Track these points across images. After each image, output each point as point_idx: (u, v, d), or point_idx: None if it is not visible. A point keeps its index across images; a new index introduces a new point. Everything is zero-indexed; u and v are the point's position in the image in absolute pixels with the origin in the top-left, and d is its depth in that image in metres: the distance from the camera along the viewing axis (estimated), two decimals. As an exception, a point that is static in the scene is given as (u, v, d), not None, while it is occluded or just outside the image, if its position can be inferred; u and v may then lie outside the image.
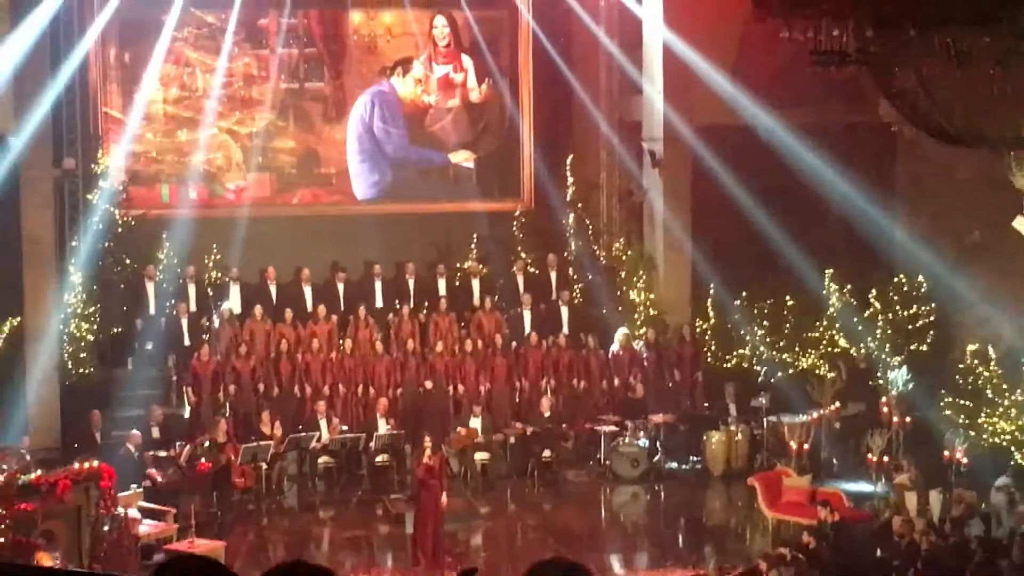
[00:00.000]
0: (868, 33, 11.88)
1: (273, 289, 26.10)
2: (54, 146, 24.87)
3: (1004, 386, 22.66)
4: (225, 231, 26.34)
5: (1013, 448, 22.19)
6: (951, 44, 11.37)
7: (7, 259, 24.02)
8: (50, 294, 24.24)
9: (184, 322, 25.34)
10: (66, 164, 25.25)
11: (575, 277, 27.33)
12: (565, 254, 27.46)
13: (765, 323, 25.40)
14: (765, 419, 24.40)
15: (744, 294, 25.50)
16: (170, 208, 26.91)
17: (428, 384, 24.83)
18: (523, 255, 27.55)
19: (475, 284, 27.03)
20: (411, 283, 26.67)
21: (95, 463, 20.31)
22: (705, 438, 24.45)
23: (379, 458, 23.74)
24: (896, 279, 25.06)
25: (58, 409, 24.00)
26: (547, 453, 24.19)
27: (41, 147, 24.33)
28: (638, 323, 26.14)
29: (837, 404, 24.44)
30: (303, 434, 23.68)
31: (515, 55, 28.32)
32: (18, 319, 23.84)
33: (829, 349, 25.06)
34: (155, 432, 22.90)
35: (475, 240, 27.58)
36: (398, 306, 25.98)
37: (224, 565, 3.53)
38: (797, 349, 25.19)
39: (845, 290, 25.05)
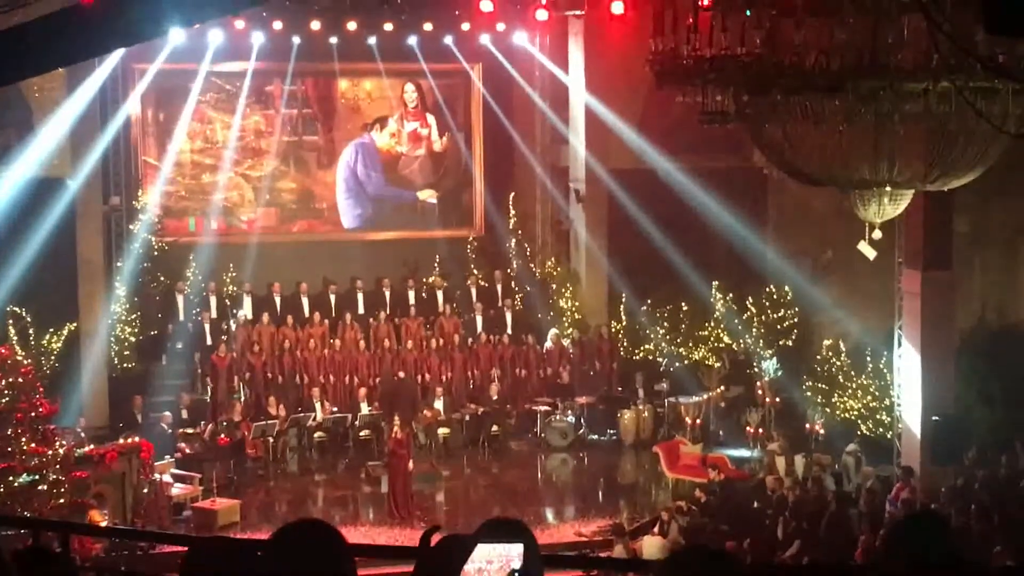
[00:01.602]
0: (744, 98, 11.92)
1: (278, 300, 25.88)
2: (103, 187, 24.75)
3: (852, 373, 22.78)
4: (240, 254, 26.18)
5: (859, 421, 22.29)
6: (808, 106, 11.42)
7: (66, 276, 23.80)
8: (100, 304, 24.03)
9: (207, 326, 25.13)
10: (113, 201, 25.11)
11: (516, 289, 27.21)
12: (508, 271, 27.33)
13: (665, 324, 25.35)
14: (666, 400, 24.41)
15: (649, 301, 25.44)
16: (196, 236, 26.67)
17: (401, 374, 24.67)
18: (475, 272, 27.43)
19: (438, 295, 26.90)
20: (387, 294, 26.52)
21: (136, 438, 20.21)
22: (619, 415, 24.42)
23: (362, 433, 23.60)
24: (767, 289, 25.04)
25: (106, 395, 23.75)
26: (495, 428, 24.07)
27: (93, 188, 24.16)
28: (566, 324, 26.08)
29: (722, 388, 24.48)
30: (302, 414, 23.55)
31: (469, 114, 28.22)
32: (74, 324, 23.64)
33: (716, 344, 25.02)
34: (184, 414, 22.73)
35: (437, 260, 27.42)
36: (377, 312, 25.82)
37: (334, 529, 3.44)
38: (691, 344, 25.15)
39: (728, 297, 25.02)
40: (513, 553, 3.57)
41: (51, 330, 23.13)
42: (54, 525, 8.80)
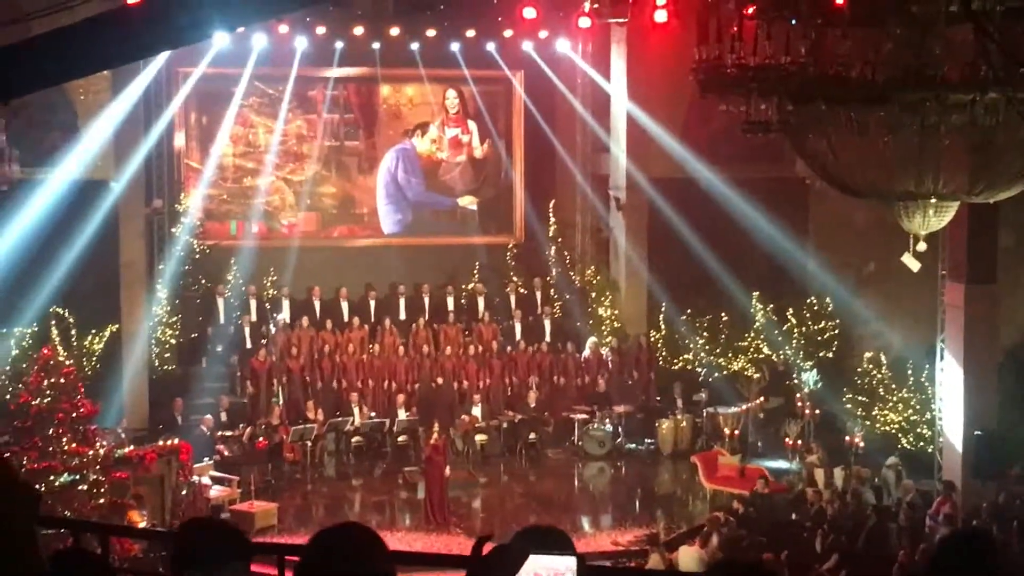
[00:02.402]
0: (788, 107, 11.87)
1: (317, 304, 25.96)
2: (146, 190, 24.83)
3: (893, 386, 22.67)
4: (280, 258, 26.29)
5: (899, 435, 22.15)
6: (853, 117, 11.35)
7: (108, 278, 23.92)
8: (142, 306, 24.15)
9: (247, 329, 25.24)
10: (156, 204, 25.21)
11: (555, 297, 27.22)
12: (548, 278, 27.33)
13: (705, 334, 25.31)
14: (704, 410, 24.33)
15: (688, 311, 25.37)
16: (237, 239, 26.79)
17: (439, 380, 24.69)
18: (515, 279, 27.44)
19: (478, 301, 26.92)
20: (426, 300, 26.53)
21: (176, 440, 20.29)
22: (657, 424, 24.35)
23: (399, 439, 23.64)
24: (808, 300, 24.98)
25: (147, 397, 23.87)
26: (532, 435, 24.05)
27: (136, 190, 24.27)
28: (605, 333, 26.02)
29: (761, 399, 24.36)
30: (340, 419, 23.61)
31: (510, 121, 28.25)
32: (116, 326, 23.75)
33: (755, 355, 24.95)
34: (223, 416, 22.79)
35: (477, 267, 27.46)
36: (416, 318, 25.86)
37: (375, 533, 3.48)
38: (730, 355, 25.08)
39: (768, 308, 24.96)
40: (564, 567, 3.54)
41: (93, 331, 23.28)
42: (93, 526, 8.84)
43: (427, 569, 4.66)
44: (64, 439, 18.43)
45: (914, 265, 13.71)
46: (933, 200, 11.88)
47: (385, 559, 3.41)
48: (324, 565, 3.34)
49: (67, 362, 19.92)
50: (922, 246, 12.88)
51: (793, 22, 11.52)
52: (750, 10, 12.34)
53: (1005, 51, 8.12)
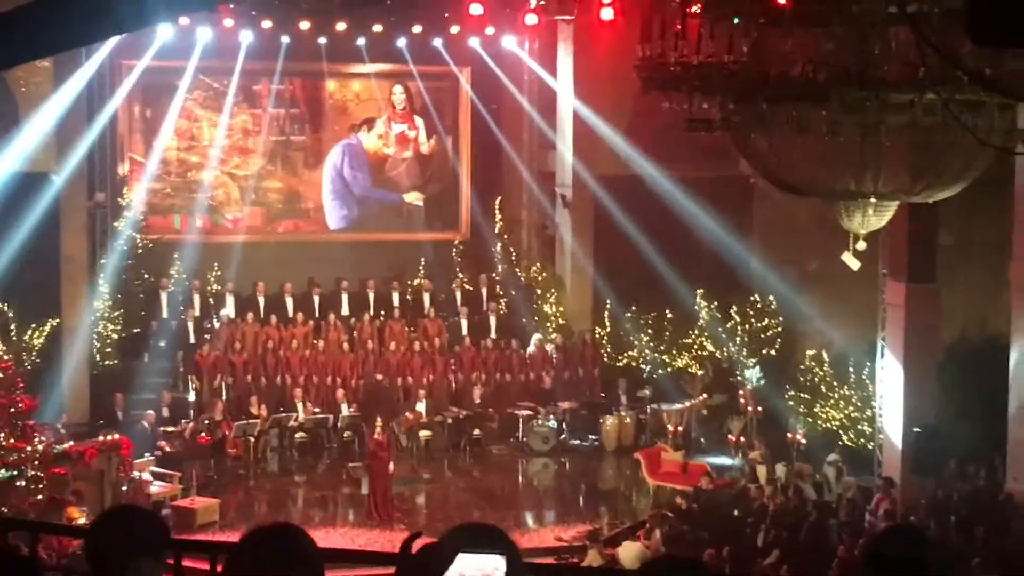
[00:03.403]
0: (730, 106, 11.91)
1: (261, 299, 25.81)
2: (88, 183, 24.51)
3: (834, 383, 22.83)
4: (224, 253, 26.14)
5: (841, 431, 22.32)
6: (794, 115, 11.40)
7: (49, 273, 23.63)
8: (83, 301, 23.89)
9: (190, 324, 25.08)
10: (98, 197, 24.94)
11: (501, 293, 27.20)
12: (494, 275, 27.31)
13: (649, 331, 25.37)
14: (648, 406, 24.40)
15: (633, 308, 25.43)
16: (180, 234, 26.61)
17: (383, 376, 24.59)
18: (460, 275, 27.41)
19: (423, 297, 26.87)
20: (371, 296, 26.46)
21: (116, 436, 20.11)
22: (601, 421, 24.36)
23: (344, 434, 23.53)
24: (752, 298, 25.09)
25: (88, 392, 23.59)
26: (477, 431, 24.00)
27: (78, 183, 23.95)
28: (550, 330, 26.04)
29: (704, 395, 24.43)
30: (283, 414, 23.48)
31: (456, 117, 28.20)
32: (57, 320, 23.48)
33: (699, 352, 25.05)
34: (165, 412, 22.63)
35: (423, 262, 27.42)
36: (361, 314, 25.76)
37: (303, 533, 3.41)
38: (674, 352, 25.18)
39: (712, 306, 25.06)
40: (496, 565, 3.50)
41: (33, 326, 23.01)
42: (23, 524, 8.72)
43: (361, 567, 4.62)
44: (2, 434, 18.23)
45: (854, 264, 13.80)
46: (873, 199, 11.98)
47: (314, 558, 3.37)
48: (252, 565, 3.30)
49: (6, 356, 19.72)
50: (862, 245, 12.97)
51: (736, 21, 11.56)
52: (694, 8, 12.38)
53: (941, 53, 8.18)
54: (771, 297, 24.93)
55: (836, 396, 22.60)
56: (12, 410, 18.53)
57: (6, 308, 22.62)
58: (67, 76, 22.86)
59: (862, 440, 21.89)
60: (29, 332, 22.94)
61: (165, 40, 24.12)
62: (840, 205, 12.31)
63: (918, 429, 20.03)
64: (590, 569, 14.58)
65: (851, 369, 22.57)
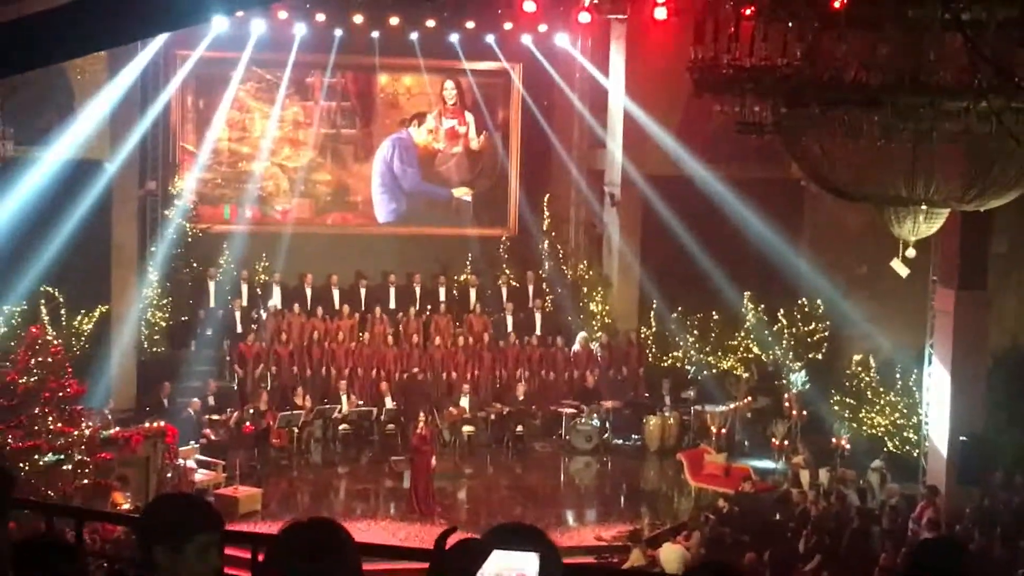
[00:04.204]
0: (782, 109, 11.87)
1: (308, 291, 25.95)
2: (140, 171, 24.77)
3: (880, 389, 22.68)
4: (272, 243, 26.28)
5: (886, 438, 22.19)
6: (846, 120, 11.34)
7: (99, 259, 23.88)
8: (132, 288, 24.12)
9: (237, 314, 25.23)
10: (149, 186, 25.19)
11: (547, 290, 27.21)
12: (540, 272, 27.34)
13: (695, 332, 25.32)
14: (692, 407, 24.33)
15: (679, 308, 25.38)
16: (230, 224, 26.80)
17: (427, 371, 24.66)
18: (507, 271, 27.44)
19: (469, 293, 26.91)
20: (417, 290, 26.53)
21: (162, 423, 20.30)
22: (644, 421, 24.33)
23: (387, 428, 23.63)
24: (799, 301, 24.99)
25: (135, 379, 23.84)
26: (520, 428, 24.03)
27: (130, 172, 24.19)
28: (595, 328, 26.04)
29: (749, 398, 24.37)
30: (327, 406, 23.59)
31: (507, 113, 28.24)
32: (106, 307, 23.72)
33: (745, 354, 24.97)
34: (211, 400, 22.78)
35: (469, 258, 27.48)
36: (407, 308, 25.85)
37: (341, 528, 3.45)
38: (719, 353, 25.10)
39: (759, 308, 24.98)
40: (528, 563, 3.52)
41: (83, 312, 23.25)
42: (68, 510, 8.82)
43: (399, 561, 4.66)
44: (50, 418, 18.45)
45: (902, 271, 13.72)
46: (923, 207, 11.90)
47: (351, 552, 3.41)
48: (291, 558, 3.34)
49: (55, 341, 19.93)
50: (911, 252, 12.88)
51: (790, 24, 11.51)
52: (748, 11, 12.34)
53: (992, 63, 8.12)
54: (819, 301, 24.82)
55: (882, 402, 22.46)
56: (60, 395, 18.74)
57: (57, 293, 22.85)
58: (122, 65, 23.10)
59: (907, 447, 21.75)
60: (79, 318, 23.18)
61: (219, 31, 24.33)
62: (890, 211, 12.24)
63: (964, 437, 19.88)
64: (627, 571, 14.60)
65: (898, 375, 22.41)
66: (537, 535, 3.58)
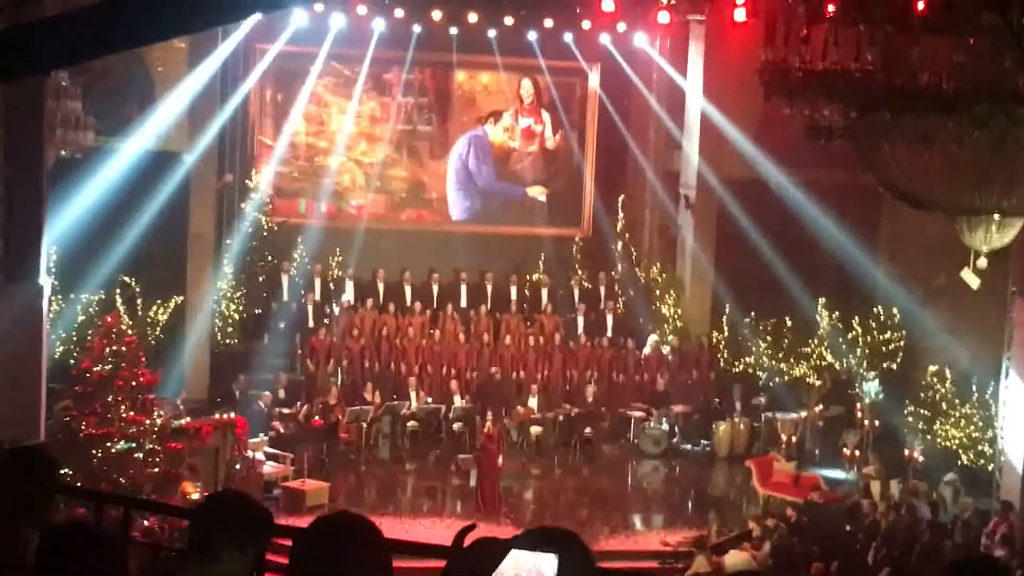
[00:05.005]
0: (852, 114, 11.76)
1: (381, 286, 26.11)
2: (218, 164, 25.10)
3: (956, 401, 22.39)
4: (347, 238, 26.49)
5: (960, 451, 21.89)
6: (919, 126, 11.21)
7: (176, 250, 24.25)
8: (207, 279, 24.45)
9: (310, 308, 25.48)
10: (226, 178, 25.51)
11: (619, 292, 27.17)
12: (613, 273, 27.30)
13: (768, 338, 25.14)
14: (763, 414, 24.17)
15: (752, 314, 25.21)
16: (305, 218, 27.04)
17: (496, 370, 24.72)
18: (579, 272, 27.47)
19: (541, 292, 26.94)
20: (489, 289, 26.59)
21: (232, 414, 20.56)
22: (714, 426, 24.21)
23: (455, 425, 23.71)
24: (875, 310, 24.72)
25: (208, 369, 24.18)
26: (588, 430, 23.99)
27: (208, 164, 24.53)
28: (667, 332, 25.95)
29: (821, 407, 24.16)
30: (397, 402, 23.70)
31: (583, 113, 28.24)
32: (181, 297, 24.03)
33: (817, 362, 24.73)
34: (281, 393, 23.02)
35: (542, 258, 27.53)
36: (478, 306, 25.93)
37: (370, 524, 3.49)
38: (792, 360, 24.89)
39: (833, 316, 24.74)
40: (545, 564, 3.50)
41: (158, 301, 23.55)
42: (116, 499, 8.95)
43: (430, 559, 4.69)
44: (123, 407, 18.76)
45: (973, 282, 13.52)
46: (996, 216, 11.72)
47: (378, 548, 3.44)
48: (315, 553, 3.37)
49: (130, 331, 20.24)
50: (983, 262, 12.70)
51: (861, 27, 11.40)
52: (830, 8, 12.23)
53: None
54: (895, 310, 24.52)
55: (957, 415, 22.17)
56: (134, 383, 19.05)
57: (133, 283, 23.20)
58: (202, 58, 23.39)
59: (982, 461, 21.45)
60: (154, 308, 23.49)
61: (299, 25, 24.61)
62: (961, 220, 12.08)
63: (1040, 453, 19.58)
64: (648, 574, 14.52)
65: (974, 388, 22.10)
66: (568, 538, 3.56)
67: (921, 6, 11.38)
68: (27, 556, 3.89)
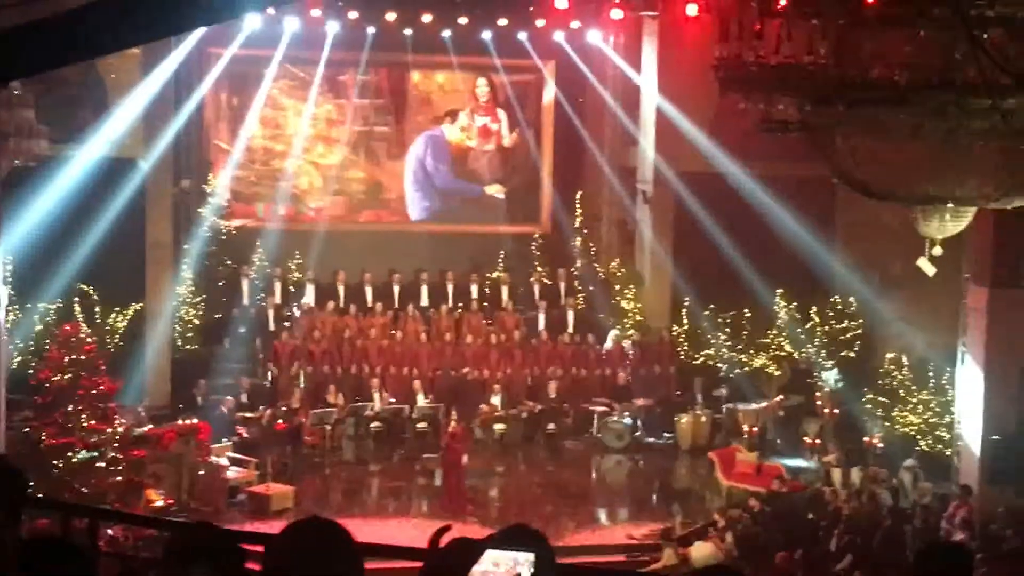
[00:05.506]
0: (807, 107, 11.84)
1: (341, 288, 26.05)
2: (174, 169, 25.02)
3: (913, 387, 22.59)
4: (306, 241, 26.40)
5: (918, 436, 22.09)
6: (873, 119, 11.30)
7: (134, 257, 24.12)
8: (166, 285, 24.31)
9: (270, 312, 25.41)
10: (183, 184, 25.42)
11: (579, 288, 27.21)
12: (572, 269, 27.35)
13: (727, 329, 25.27)
14: (724, 406, 24.30)
15: (712, 306, 25.31)
16: (263, 221, 26.93)
17: (460, 368, 24.72)
18: (539, 269, 27.50)
19: (501, 290, 26.96)
20: (450, 287, 26.59)
21: (195, 420, 20.45)
22: (676, 419, 24.28)
23: (419, 425, 23.68)
24: (832, 299, 24.91)
25: (169, 376, 24.06)
26: (551, 426, 24.06)
27: (164, 170, 24.44)
28: (627, 326, 26.01)
29: (781, 396, 24.32)
30: (360, 404, 23.68)
31: (539, 111, 28.28)
32: (140, 304, 23.93)
33: (777, 352, 24.91)
34: (244, 398, 22.93)
35: (502, 255, 27.54)
36: (439, 305, 25.91)
37: (339, 527, 3.49)
38: (751, 351, 25.04)
39: (791, 306, 24.90)
40: (522, 560, 3.57)
41: (117, 309, 23.44)
42: (83, 510, 8.90)
43: (406, 560, 4.70)
44: (83, 416, 18.63)
45: (929, 270, 13.66)
46: (950, 204, 11.84)
47: (350, 553, 3.44)
48: (287, 560, 3.38)
49: (89, 339, 20.10)
50: (938, 250, 12.83)
51: (815, 21, 11.48)
52: (782, 3, 12.30)
53: (992, 59, 8.07)
54: (852, 299, 24.71)
55: (915, 401, 22.36)
56: (94, 392, 18.93)
57: (91, 291, 23.04)
58: (155, 64, 23.27)
59: (940, 446, 21.65)
60: (113, 315, 23.36)
61: (252, 29, 24.48)
62: (916, 210, 12.19)
63: (997, 437, 19.77)
64: (624, 572, 14.58)
65: (931, 374, 22.30)
66: (535, 537, 3.63)
67: (872, -1, 11.49)
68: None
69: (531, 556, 3.56)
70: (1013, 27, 9.92)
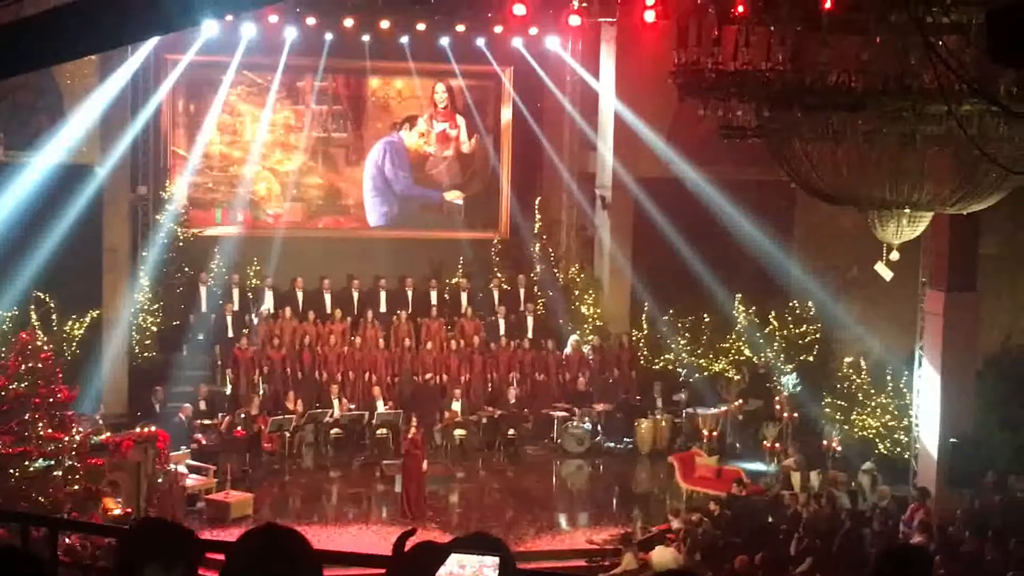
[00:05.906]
0: (765, 113, 11.91)
1: (300, 295, 25.95)
2: (131, 176, 24.82)
3: (872, 391, 22.75)
4: (264, 247, 26.27)
5: (877, 440, 22.24)
6: (830, 124, 11.38)
7: (91, 264, 23.92)
8: (123, 292, 24.15)
9: (229, 318, 25.24)
10: (140, 190, 25.22)
11: (539, 293, 27.23)
12: (532, 275, 27.36)
13: (686, 334, 25.35)
14: (684, 410, 24.39)
15: (671, 311, 25.41)
16: (221, 228, 26.79)
17: (420, 374, 24.68)
18: (499, 274, 27.47)
19: (461, 296, 26.93)
20: (409, 293, 26.54)
21: (153, 428, 20.30)
22: (636, 424, 24.36)
23: (379, 432, 23.61)
24: (790, 304, 25.05)
25: (127, 384, 23.87)
26: (512, 431, 24.03)
27: (121, 176, 24.26)
28: (587, 331, 26.05)
29: (740, 401, 24.41)
30: (319, 410, 23.59)
31: (498, 117, 28.27)
32: (97, 311, 23.73)
33: (736, 357, 25.00)
34: (202, 405, 22.79)
35: (461, 261, 27.50)
36: (399, 311, 25.86)
37: (296, 535, 3.47)
38: (711, 356, 25.13)
39: (750, 311, 25.02)
40: (488, 563, 3.59)
41: (74, 317, 23.26)
42: (42, 520, 8.82)
43: (364, 567, 4.68)
44: (40, 424, 18.43)
45: (886, 274, 13.76)
46: (907, 209, 11.94)
47: (308, 561, 3.43)
48: (245, 568, 3.36)
49: (46, 347, 19.91)
50: (895, 255, 12.92)
51: (772, 28, 11.54)
52: (739, 9, 12.36)
53: (948, 65, 8.15)
54: (810, 303, 24.87)
55: (873, 404, 22.52)
56: (51, 400, 18.72)
57: (48, 298, 22.85)
58: (112, 69, 23.12)
59: (898, 449, 21.82)
60: (70, 323, 23.19)
61: (209, 35, 24.34)
62: (873, 214, 12.28)
63: (955, 439, 19.94)
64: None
65: (889, 377, 22.47)
66: (496, 544, 3.64)
67: (829, 5, 11.55)
68: None
69: (496, 559, 3.57)
70: (968, 33, 9.99)
